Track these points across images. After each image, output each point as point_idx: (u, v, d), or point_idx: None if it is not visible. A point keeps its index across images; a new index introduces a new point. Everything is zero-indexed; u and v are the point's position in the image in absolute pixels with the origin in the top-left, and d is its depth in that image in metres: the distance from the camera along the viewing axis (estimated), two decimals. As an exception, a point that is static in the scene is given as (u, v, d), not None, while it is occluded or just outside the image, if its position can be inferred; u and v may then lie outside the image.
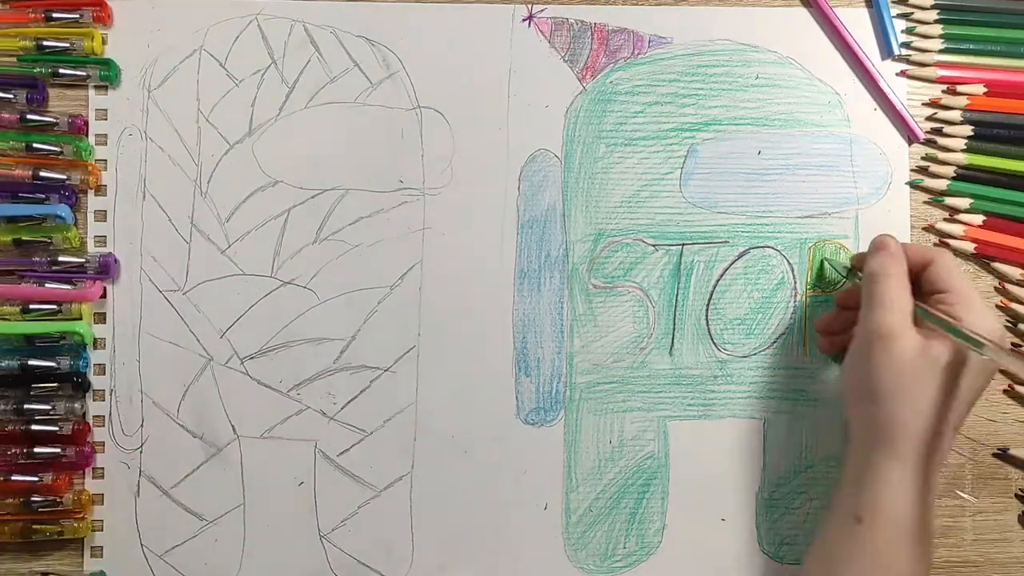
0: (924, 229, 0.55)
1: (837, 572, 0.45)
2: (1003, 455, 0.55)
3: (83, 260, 0.51)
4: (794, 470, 0.54)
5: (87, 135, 0.52)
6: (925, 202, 0.55)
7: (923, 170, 0.55)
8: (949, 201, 0.55)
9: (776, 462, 0.54)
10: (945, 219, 0.55)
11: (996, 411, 0.55)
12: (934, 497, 0.45)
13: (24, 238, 0.51)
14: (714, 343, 0.54)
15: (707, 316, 0.54)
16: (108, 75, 0.52)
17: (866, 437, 0.46)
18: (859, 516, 0.44)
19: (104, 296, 0.52)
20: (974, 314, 0.45)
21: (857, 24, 0.55)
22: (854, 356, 0.47)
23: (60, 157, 0.52)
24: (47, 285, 0.51)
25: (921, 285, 0.48)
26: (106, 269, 0.52)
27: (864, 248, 0.55)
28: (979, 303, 0.46)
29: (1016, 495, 0.55)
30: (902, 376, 0.44)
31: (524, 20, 0.54)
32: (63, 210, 0.51)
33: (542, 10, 0.54)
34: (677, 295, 0.54)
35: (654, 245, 0.54)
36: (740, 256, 0.55)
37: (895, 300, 0.46)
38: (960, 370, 0.44)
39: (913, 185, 0.55)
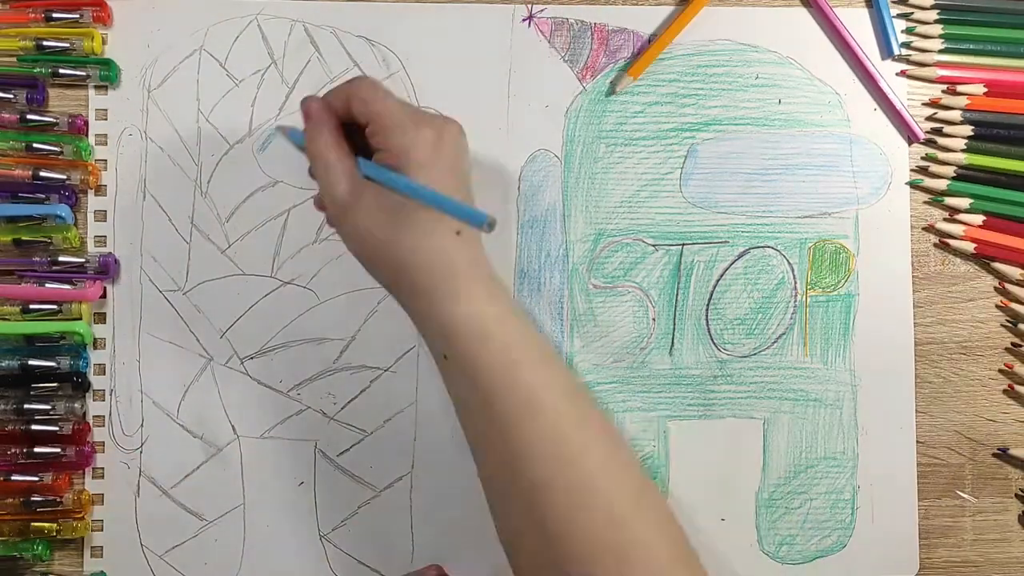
0: (924, 229, 0.55)
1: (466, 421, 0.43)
2: (1003, 455, 0.55)
3: (83, 260, 0.51)
4: (794, 470, 0.54)
5: (87, 135, 0.52)
6: (925, 202, 0.55)
7: (923, 170, 0.55)
8: (949, 201, 0.55)
9: (776, 462, 0.54)
10: (945, 219, 0.55)
11: (996, 411, 0.55)
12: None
13: (24, 238, 0.51)
14: (714, 343, 0.54)
15: (707, 316, 0.54)
16: (108, 75, 0.52)
17: (400, 295, 0.43)
18: (442, 354, 0.42)
19: (104, 296, 0.52)
20: (393, 135, 0.41)
21: (857, 24, 0.55)
22: (337, 231, 0.44)
23: (60, 157, 0.52)
24: (47, 285, 0.51)
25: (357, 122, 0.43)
26: (106, 269, 0.52)
27: (863, 248, 0.55)
28: (399, 122, 0.41)
29: (1016, 495, 0.55)
30: (375, 242, 0.41)
31: (524, 20, 0.54)
32: (63, 210, 0.51)
33: (542, 10, 0.54)
34: (677, 295, 0.54)
35: (654, 245, 0.54)
36: (740, 256, 0.55)
37: (332, 171, 0.42)
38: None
39: (913, 185, 0.55)
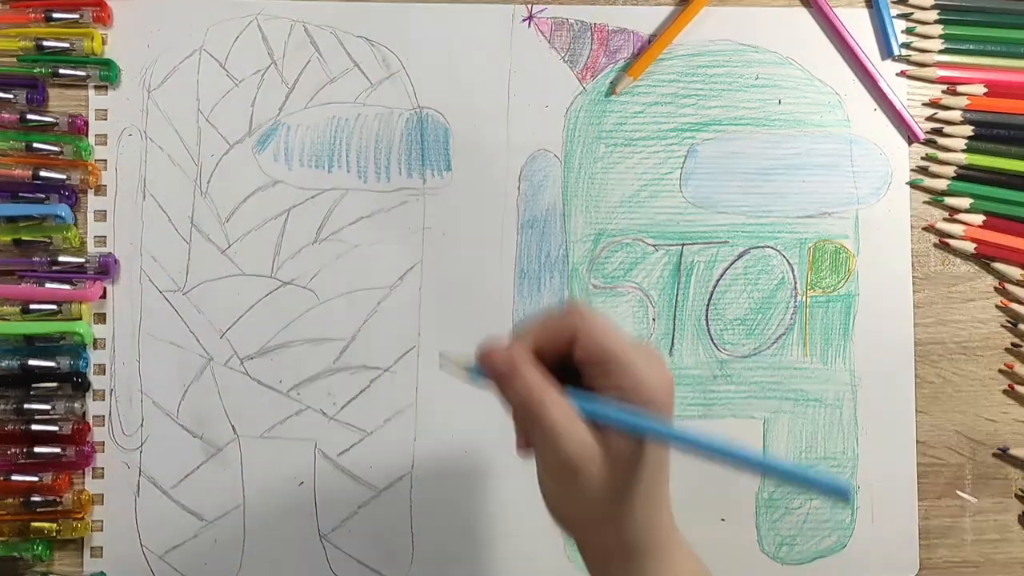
0: (924, 229, 0.55)
1: None
2: (1003, 455, 0.55)
3: (83, 260, 0.51)
4: (794, 470, 0.54)
5: (87, 135, 0.52)
6: (925, 202, 0.55)
7: (923, 170, 0.55)
8: (949, 201, 0.55)
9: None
10: (945, 219, 0.55)
11: (996, 411, 0.55)
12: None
13: (24, 238, 0.51)
14: (714, 343, 0.54)
15: (707, 316, 0.54)
16: (108, 75, 0.52)
17: (601, 562, 0.38)
18: None
19: (104, 296, 0.52)
20: (633, 377, 0.35)
21: (857, 24, 0.55)
22: (547, 489, 0.38)
23: (60, 157, 0.52)
24: (47, 285, 0.51)
25: (576, 357, 0.36)
26: (106, 269, 0.52)
27: (863, 248, 0.55)
28: (640, 358, 0.35)
29: (1016, 495, 0.55)
30: (603, 503, 0.36)
31: (524, 20, 0.54)
32: (63, 210, 0.51)
33: (542, 10, 0.54)
34: (677, 295, 0.54)
35: (654, 245, 0.54)
36: (740, 256, 0.55)
37: (559, 431, 0.35)
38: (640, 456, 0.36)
39: (913, 185, 0.55)
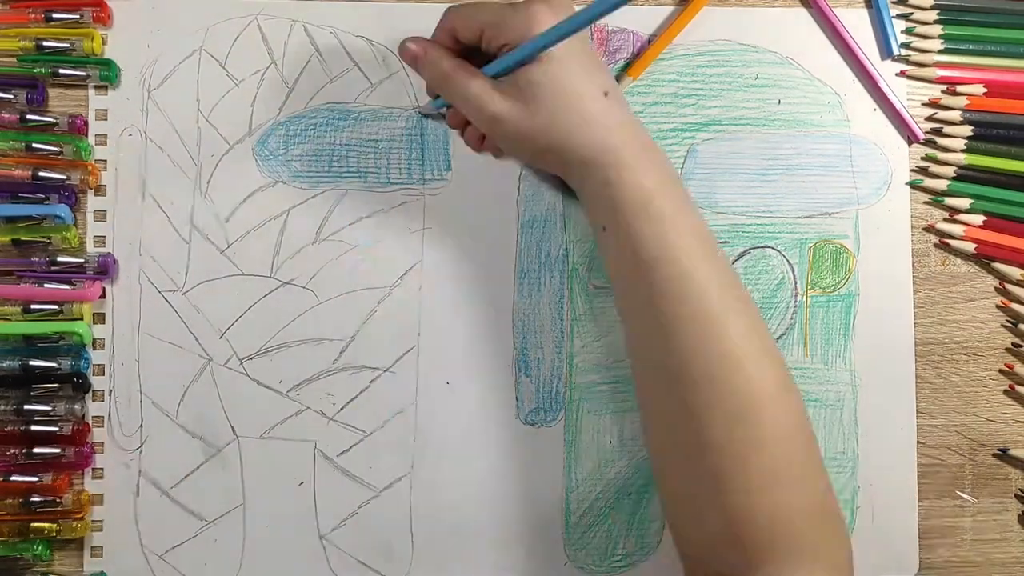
0: (924, 229, 0.55)
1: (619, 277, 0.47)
2: (1003, 455, 0.55)
3: (82, 260, 0.51)
4: (794, 470, 0.54)
5: (87, 135, 0.52)
6: (925, 202, 0.55)
7: (923, 170, 0.55)
8: (949, 201, 0.55)
9: (776, 462, 0.54)
10: (945, 219, 0.55)
11: (996, 411, 0.55)
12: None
13: (23, 238, 0.51)
14: (714, 343, 0.54)
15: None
16: (108, 75, 0.52)
17: (571, 178, 0.48)
18: (600, 225, 0.46)
19: (103, 296, 0.52)
20: (504, 28, 0.44)
21: (857, 24, 0.55)
22: (499, 146, 0.50)
23: (60, 157, 0.52)
24: (46, 285, 0.51)
25: (483, 48, 0.47)
26: (105, 269, 0.52)
27: (863, 248, 0.55)
28: (506, 12, 0.45)
29: (1016, 495, 0.55)
30: (535, 135, 0.46)
31: (524, 20, 0.54)
32: (63, 210, 0.51)
33: (542, 10, 0.54)
34: (677, 295, 0.54)
35: (654, 245, 0.54)
36: (740, 256, 0.55)
37: (472, 94, 0.46)
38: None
39: (913, 185, 0.55)
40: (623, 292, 0.47)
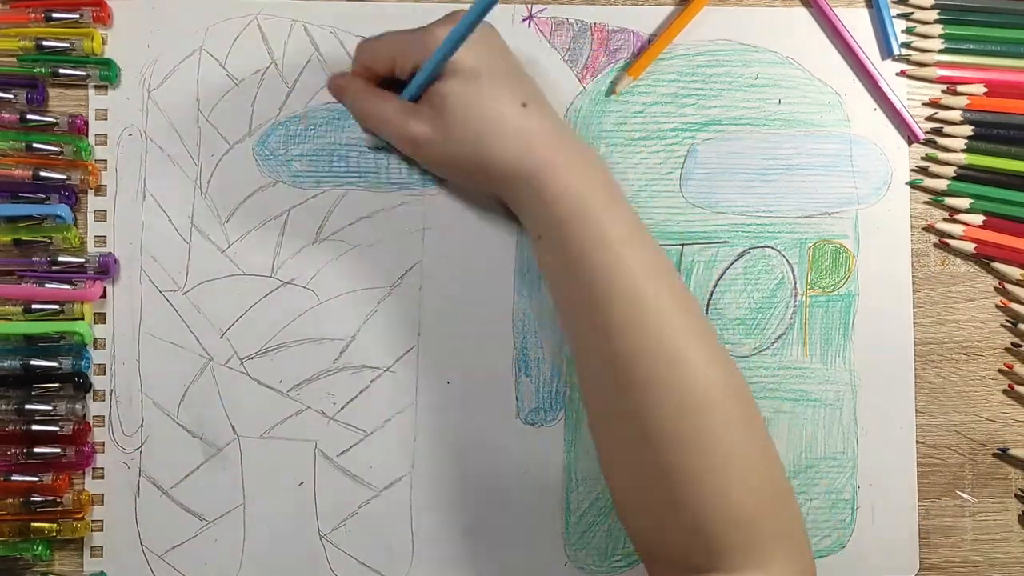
0: (924, 229, 0.55)
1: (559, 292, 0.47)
2: (1003, 455, 0.55)
3: (83, 260, 0.51)
4: (794, 470, 0.54)
5: (87, 135, 0.52)
6: (925, 202, 0.55)
7: (923, 170, 0.55)
8: (949, 201, 0.55)
9: (776, 462, 0.54)
10: (945, 219, 0.55)
11: (996, 411, 0.55)
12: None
13: (24, 238, 0.51)
14: (714, 343, 0.54)
15: (707, 316, 0.54)
16: (108, 75, 0.52)
17: (505, 195, 0.48)
18: (535, 235, 0.46)
19: (104, 296, 0.52)
20: (410, 50, 0.46)
21: (857, 24, 0.55)
22: (429, 170, 0.52)
23: (60, 157, 0.52)
24: (47, 285, 0.51)
25: (396, 73, 0.48)
26: (106, 269, 0.52)
27: (863, 248, 0.55)
28: (406, 36, 0.47)
29: (1016, 495, 0.55)
30: (463, 156, 0.46)
31: (524, 20, 0.54)
32: (63, 210, 0.51)
33: (542, 10, 0.54)
34: (677, 295, 0.54)
35: (654, 245, 0.54)
36: (740, 256, 0.55)
37: (391, 121, 0.47)
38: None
39: (913, 185, 0.55)
40: (562, 298, 0.47)
